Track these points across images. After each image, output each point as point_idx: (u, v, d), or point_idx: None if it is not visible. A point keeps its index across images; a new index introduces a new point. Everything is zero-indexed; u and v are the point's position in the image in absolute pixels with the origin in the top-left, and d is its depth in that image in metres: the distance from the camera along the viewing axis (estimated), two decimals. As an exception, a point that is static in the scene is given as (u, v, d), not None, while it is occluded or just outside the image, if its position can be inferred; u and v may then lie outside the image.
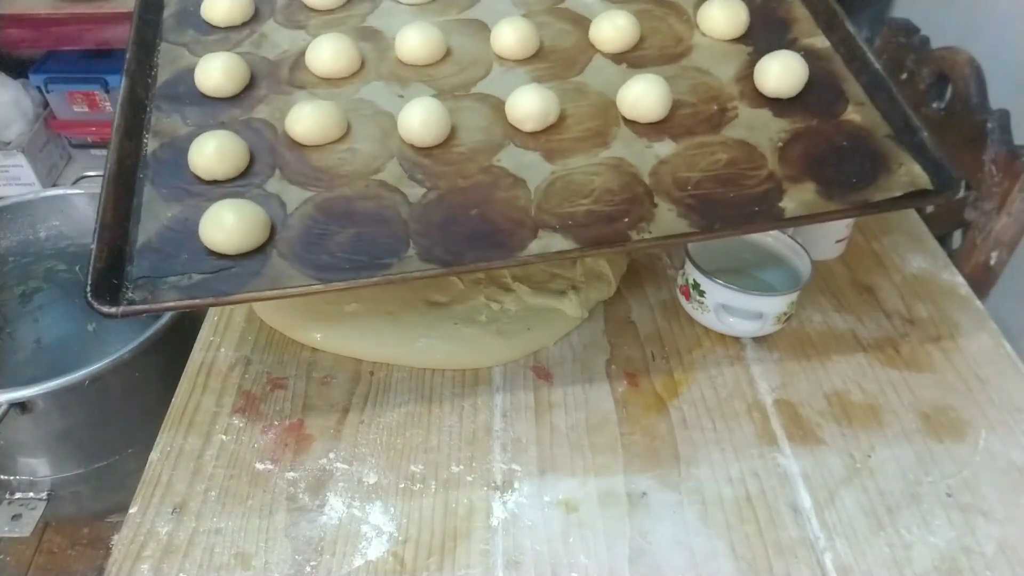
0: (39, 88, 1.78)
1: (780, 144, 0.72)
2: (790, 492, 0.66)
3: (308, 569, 0.62)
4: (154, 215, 0.67)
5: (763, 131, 0.73)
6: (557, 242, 0.65)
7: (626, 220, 0.66)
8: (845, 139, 0.72)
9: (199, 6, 0.83)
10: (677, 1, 0.85)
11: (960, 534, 0.64)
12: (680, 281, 0.82)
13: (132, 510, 0.66)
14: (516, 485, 0.67)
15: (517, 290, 0.81)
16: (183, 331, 1.06)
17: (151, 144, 0.72)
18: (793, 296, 0.77)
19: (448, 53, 0.80)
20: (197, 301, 0.60)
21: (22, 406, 1.00)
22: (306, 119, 0.71)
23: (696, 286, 0.78)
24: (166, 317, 1.08)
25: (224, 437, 0.71)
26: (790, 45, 0.80)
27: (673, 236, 0.65)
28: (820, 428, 0.71)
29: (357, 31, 0.83)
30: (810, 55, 0.78)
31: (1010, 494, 0.66)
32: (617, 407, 0.73)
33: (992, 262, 0.91)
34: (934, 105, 1.03)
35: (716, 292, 0.77)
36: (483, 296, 0.81)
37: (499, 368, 0.77)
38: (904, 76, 1.08)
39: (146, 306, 0.59)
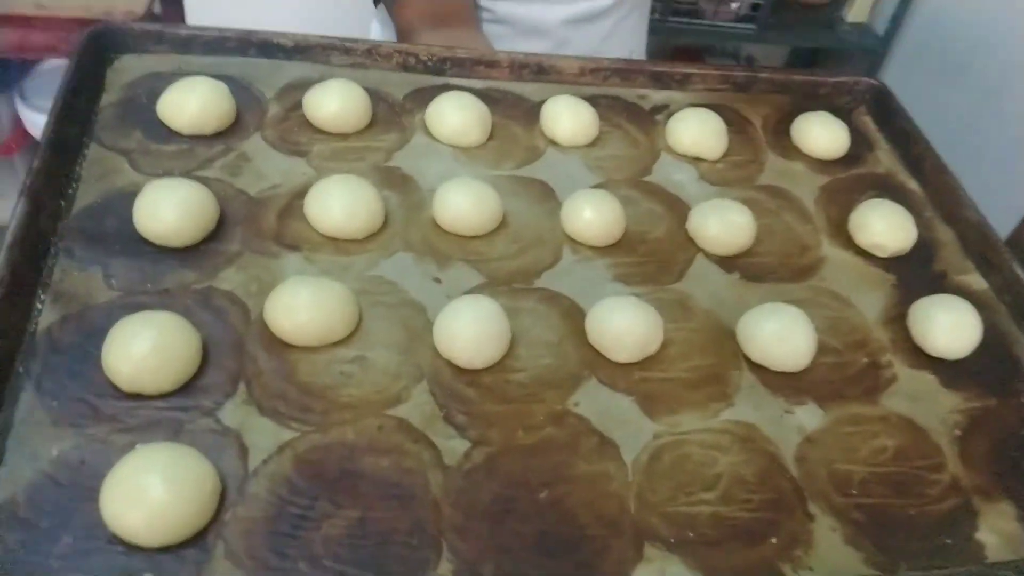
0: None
1: (958, 432, 0.52)
2: None
3: None
4: (30, 449, 0.40)
5: (931, 407, 0.53)
6: (675, 570, 0.42)
7: (774, 541, 0.44)
8: (1039, 435, 0.52)
9: (155, 98, 0.58)
10: (797, 196, 0.66)
11: None
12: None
13: None
14: None
15: None
16: None
17: (48, 313, 0.46)
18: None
19: (503, 222, 0.58)
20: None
21: None
22: (303, 309, 0.46)
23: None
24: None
25: None
26: (938, 281, 0.62)
27: (849, 584, 0.43)
28: None
29: (379, 171, 0.59)
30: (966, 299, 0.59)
31: None
32: None
33: None
34: None
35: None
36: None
37: None
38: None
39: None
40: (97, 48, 0.61)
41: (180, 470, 0.39)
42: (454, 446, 0.45)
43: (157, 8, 1.52)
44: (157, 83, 0.60)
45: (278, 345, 0.47)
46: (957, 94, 1.68)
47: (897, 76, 1.88)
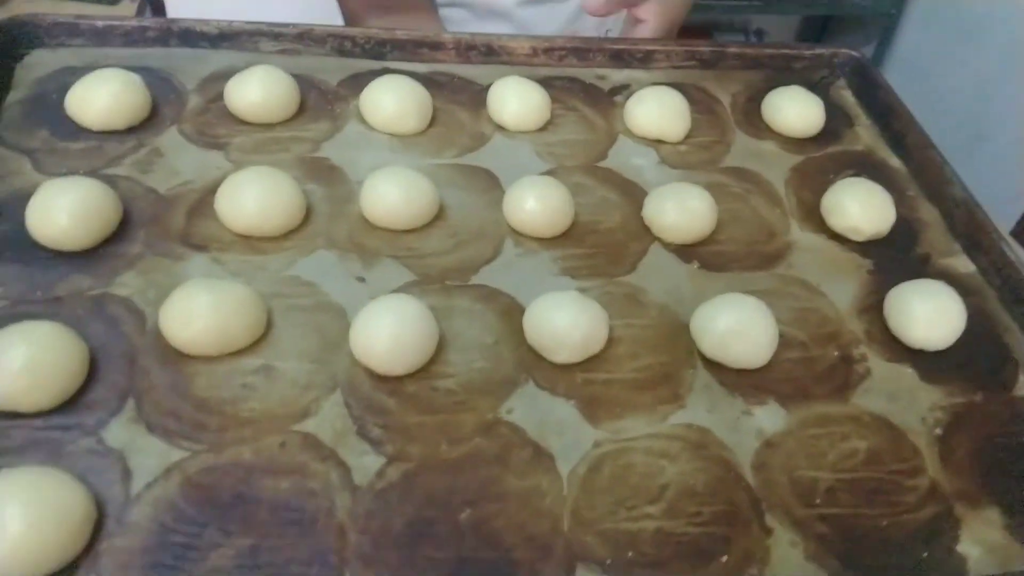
0: None
1: (939, 432, 0.47)
2: None
3: None
4: None
5: (909, 404, 0.48)
6: (610, 597, 0.37)
7: (724, 559, 0.39)
8: (1030, 433, 0.47)
9: (64, 94, 0.54)
10: (767, 178, 0.61)
11: None
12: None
13: None
14: None
15: None
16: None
17: (-81, 326, 0.42)
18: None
19: (439, 214, 0.53)
20: None
21: None
22: (200, 316, 0.42)
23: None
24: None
25: None
26: (920, 265, 0.57)
27: (809, 609, 0.38)
28: None
29: (304, 163, 0.55)
30: (952, 285, 0.53)
31: None
32: None
33: None
34: None
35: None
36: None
37: None
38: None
39: None
40: (5, 43, 0.57)
41: (45, 497, 0.34)
42: (367, 463, 0.41)
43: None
44: (70, 78, 0.55)
45: (173, 356, 0.43)
46: (976, 55, 1.60)
47: (912, 40, 1.81)
